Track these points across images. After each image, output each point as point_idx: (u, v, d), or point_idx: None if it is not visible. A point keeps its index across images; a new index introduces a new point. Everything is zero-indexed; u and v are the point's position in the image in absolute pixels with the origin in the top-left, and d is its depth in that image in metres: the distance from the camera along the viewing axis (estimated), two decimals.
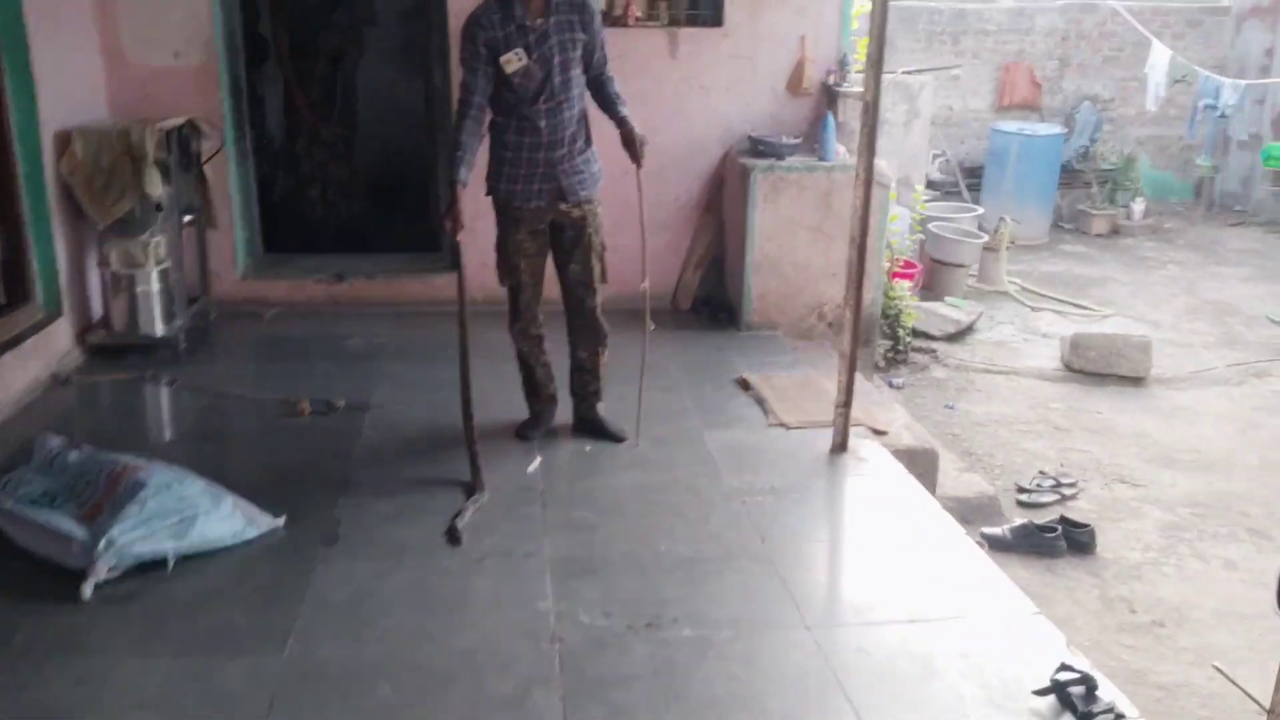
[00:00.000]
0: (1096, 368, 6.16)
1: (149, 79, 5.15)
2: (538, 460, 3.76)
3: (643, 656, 2.63)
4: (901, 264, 6.34)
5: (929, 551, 3.24)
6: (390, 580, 2.96)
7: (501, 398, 4.12)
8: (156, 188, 4.60)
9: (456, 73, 3.69)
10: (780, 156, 5.21)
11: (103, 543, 2.89)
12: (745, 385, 4.53)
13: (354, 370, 4.66)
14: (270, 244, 5.86)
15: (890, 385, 5.82)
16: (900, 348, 6.10)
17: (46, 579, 2.89)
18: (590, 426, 3.99)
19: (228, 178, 5.38)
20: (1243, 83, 9.12)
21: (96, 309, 4.89)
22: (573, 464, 3.80)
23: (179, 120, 4.91)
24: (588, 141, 3.72)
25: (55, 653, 2.60)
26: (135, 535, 2.95)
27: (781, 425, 4.11)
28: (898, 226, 6.28)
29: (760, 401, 4.33)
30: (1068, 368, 6.28)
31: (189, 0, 5.12)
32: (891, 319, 5.96)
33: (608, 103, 3.70)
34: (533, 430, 3.97)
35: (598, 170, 3.76)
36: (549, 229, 3.74)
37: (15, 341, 4.23)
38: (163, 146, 4.65)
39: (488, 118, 3.63)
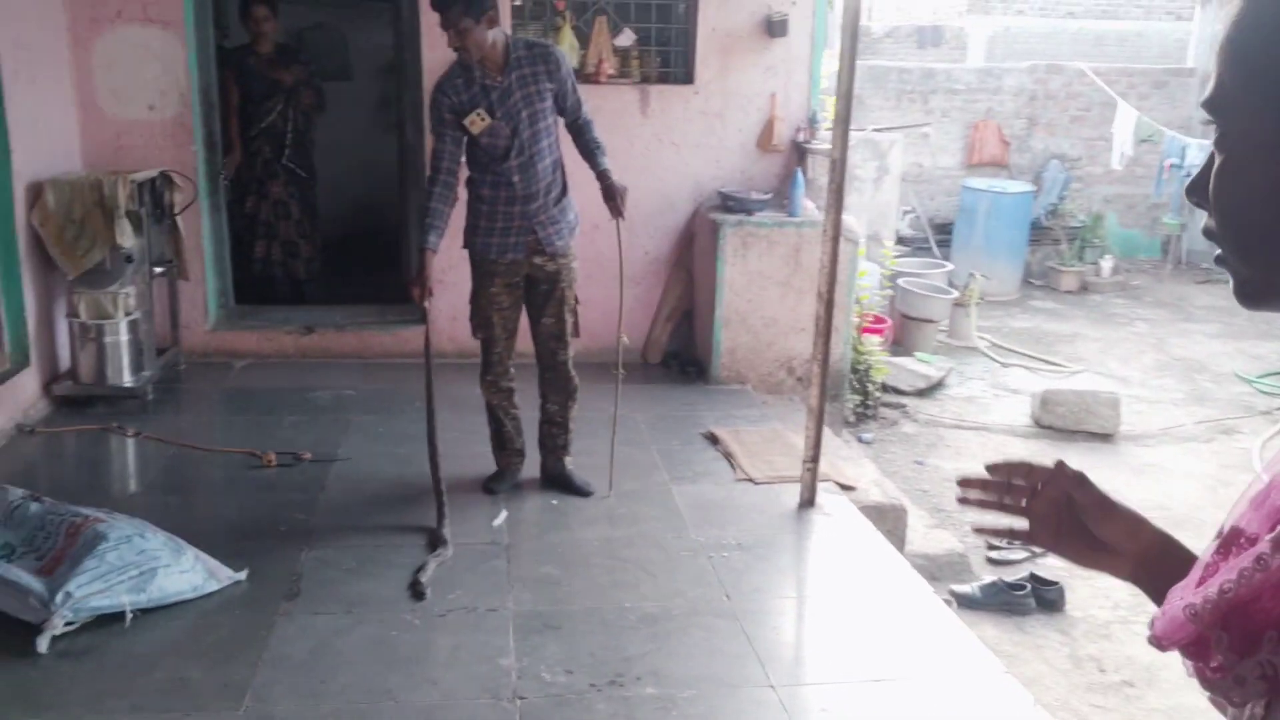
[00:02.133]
0: (1066, 424, 6.21)
1: (123, 131, 5.18)
2: (504, 514, 3.75)
3: (605, 715, 2.60)
4: (871, 319, 6.40)
5: (896, 609, 3.24)
6: (351, 635, 2.93)
7: (469, 450, 4.12)
8: (128, 239, 4.61)
9: (429, 128, 3.74)
10: (750, 212, 5.28)
11: (60, 595, 2.85)
12: (714, 439, 4.54)
13: (321, 422, 4.64)
14: (241, 295, 5.85)
15: (859, 440, 5.85)
16: (870, 403, 6.14)
17: (4, 632, 2.84)
18: (558, 480, 3.99)
19: (200, 229, 5.39)
20: (1208, 143, 9.32)
21: (64, 360, 4.86)
22: (539, 518, 3.79)
23: (152, 172, 4.93)
24: (564, 191, 3.77)
25: (8, 708, 2.55)
26: (93, 588, 2.91)
27: (749, 480, 4.12)
28: (867, 282, 6.36)
29: (728, 456, 4.35)
30: (1038, 424, 6.33)
31: (165, 54, 5.17)
32: (861, 374, 6.00)
33: (587, 151, 3.74)
34: (500, 484, 3.96)
35: (574, 219, 3.81)
36: (523, 282, 3.77)
37: None
38: (135, 198, 4.66)
39: (460, 181, 3.68)
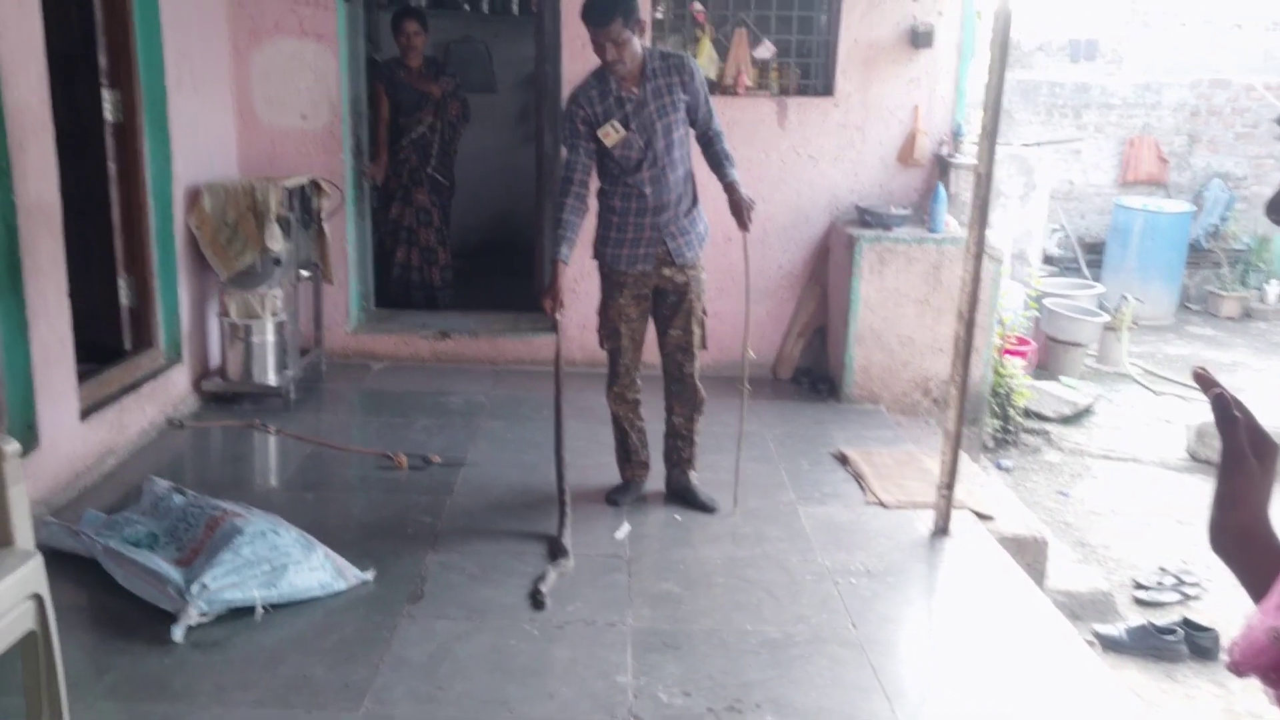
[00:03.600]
0: None
1: (277, 139, 5.40)
2: (626, 527, 3.71)
3: None
4: (1014, 341, 6.12)
5: (1034, 648, 3.05)
6: (471, 642, 2.93)
7: (594, 461, 4.11)
8: (277, 242, 4.78)
9: (562, 139, 3.75)
10: (888, 227, 5.12)
11: (195, 587, 2.94)
12: (843, 460, 4.40)
13: (452, 426, 4.71)
14: (379, 300, 6.02)
15: (998, 467, 5.59)
16: (1010, 428, 5.87)
17: (142, 619, 2.95)
18: (682, 495, 3.93)
19: (345, 235, 5.57)
20: None
21: (214, 357, 5.08)
22: (662, 533, 3.73)
23: (302, 179, 5.12)
24: (694, 201, 3.72)
25: (141, 695, 2.64)
26: (227, 581, 3.00)
27: (879, 504, 3.97)
28: (1011, 302, 6.09)
29: (858, 478, 4.20)
30: (1193, 457, 5.93)
31: (318, 66, 5.37)
32: (1002, 397, 5.75)
33: (716, 163, 3.69)
34: (623, 496, 3.93)
35: (704, 230, 3.75)
36: (652, 294, 3.74)
37: (135, 386, 4.41)
38: (285, 203, 4.84)
39: (591, 192, 3.67)
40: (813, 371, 5.56)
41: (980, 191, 3.55)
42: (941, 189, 5.16)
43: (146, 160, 4.52)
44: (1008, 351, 5.91)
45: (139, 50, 4.42)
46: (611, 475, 4.00)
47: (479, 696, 2.67)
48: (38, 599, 2.21)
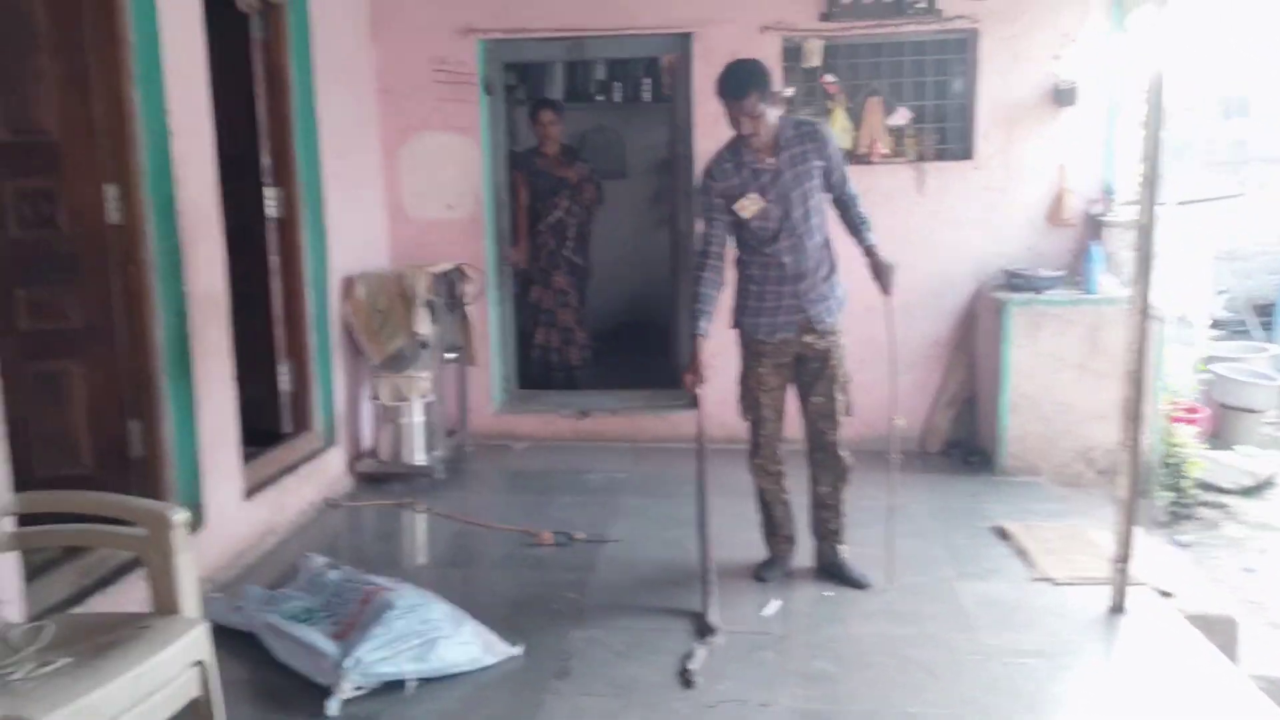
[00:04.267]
0: None
1: (424, 229, 5.63)
2: (775, 603, 3.58)
3: None
4: (1183, 408, 5.75)
5: None
6: None
7: (739, 537, 4.01)
8: (425, 326, 4.94)
9: (696, 213, 3.76)
10: (1039, 290, 4.92)
11: (349, 661, 2.98)
12: (1004, 534, 4.17)
13: (594, 503, 4.70)
14: (522, 380, 6.13)
15: (1174, 543, 5.20)
16: (1184, 501, 5.46)
17: (300, 692, 3.00)
18: (832, 570, 3.78)
19: (488, 318, 5.72)
20: None
21: (366, 439, 5.25)
22: (812, 609, 3.59)
23: (448, 265, 5.30)
24: (833, 268, 3.66)
25: None
26: (380, 655, 3.02)
27: (1047, 580, 3.72)
28: (1177, 366, 5.73)
29: (1022, 553, 3.97)
30: None
31: (463, 160, 5.60)
32: (1173, 468, 5.37)
33: (853, 227, 3.64)
34: (770, 571, 3.81)
35: (843, 294, 3.69)
36: (793, 361, 3.68)
37: (294, 467, 4.58)
38: (432, 289, 5.01)
39: (728, 264, 3.66)
40: (964, 443, 5.34)
41: (1143, 246, 3.37)
42: (1095, 248, 4.94)
43: (305, 252, 4.77)
44: (1177, 419, 5.54)
45: (298, 151, 4.70)
46: (757, 551, 3.90)
47: None
48: (202, 666, 2.26)
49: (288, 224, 4.74)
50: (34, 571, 3.09)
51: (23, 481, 2.64)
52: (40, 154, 3.57)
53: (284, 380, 4.81)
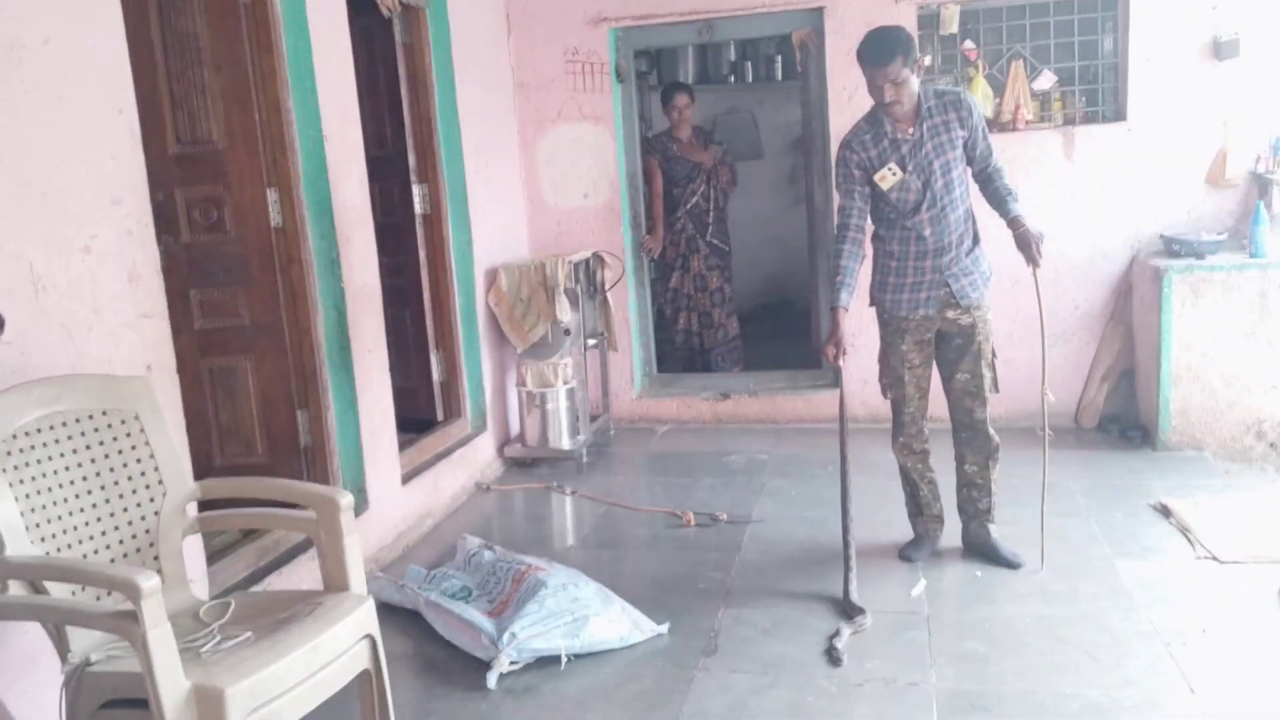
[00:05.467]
0: None
1: (562, 218, 5.76)
2: (922, 583, 3.54)
3: None
4: None
5: None
6: (767, 696, 2.89)
7: (883, 516, 3.98)
8: (566, 314, 5.07)
9: (835, 185, 3.73)
10: (1200, 255, 4.67)
11: (506, 636, 3.11)
12: (1165, 512, 4.00)
13: (736, 484, 4.73)
14: (662, 365, 6.20)
15: None
16: None
17: (460, 666, 3.15)
18: (981, 549, 3.71)
19: (627, 304, 5.81)
20: None
21: (513, 425, 5.42)
22: (961, 589, 3.53)
23: (586, 253, 5.41)
24: (976, 240, 3.57)
25: None
26: (534, 631, 3.14)
27: (1213, 559, 3.55)
28: None
29: (1184, 530, 3.80)
30: None
31: (597, 149, 5.70)
32: None
33: (997, 199, 3.53)
34: (917, 551, 3.77)
35: (987, 269, 3.59)
36: (935, 338, 3.61)
37: (447, 453, 4.78)
38: (572, 277, 5.13)
39: (867, 237, 3.62)
40: (1121, 418, 5.13)
41: None
42: (1262, 208, 4.65)
43: (451, 246, 4.95)
44: None
45: (441, 148, 4.88)
46: (903, 531, 3.85)
47: None
48: (371, 640, 2.41)
49: (433, 219, 4.93)
50: (214, 554, 3.35)
51: (204, 470, 2.85)
52: (207, 163, 3.84)
53: (436, 370, 5.02)
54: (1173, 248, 4.80)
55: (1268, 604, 3.25)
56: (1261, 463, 4.60)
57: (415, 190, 4.86)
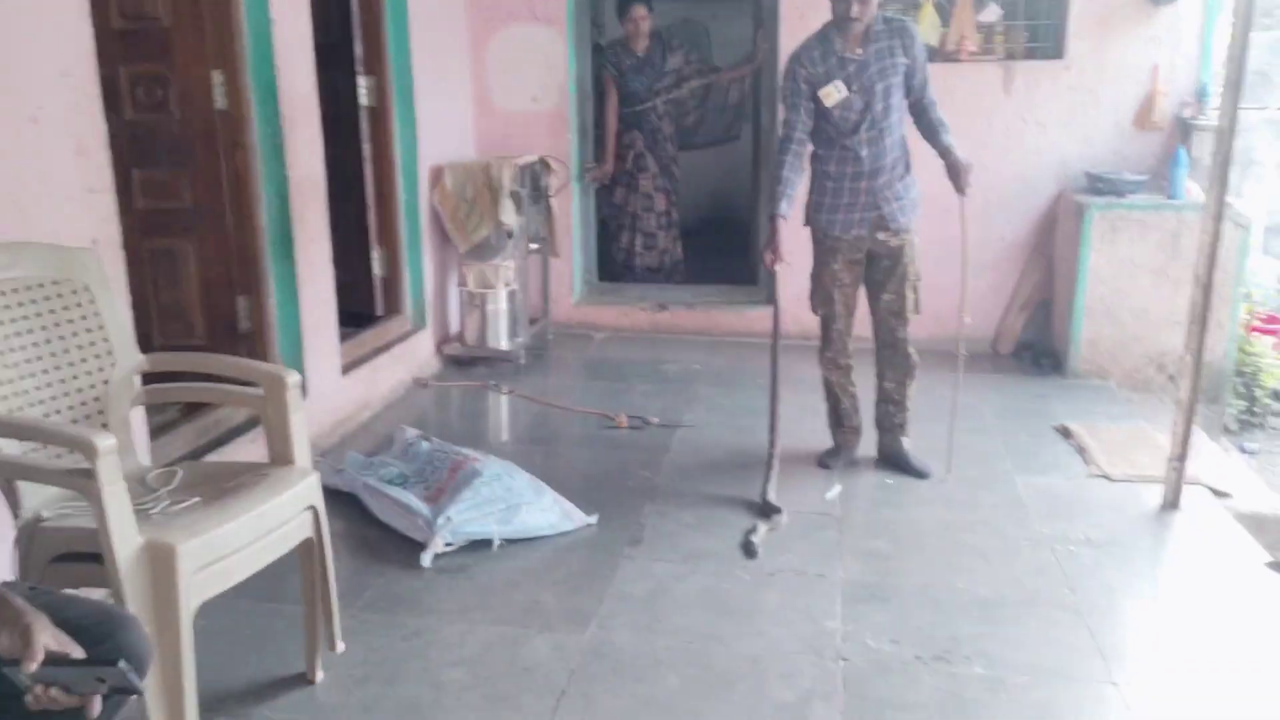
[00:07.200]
0: None
1: (510, 121, 5.76)
2: (837, 488, 3.77)
3: (929, 687, 2.56)
4: (1264, 318, 5.68)
5: (1272, 623, 2.89)
6: (686, 582, 3.09)
7: (807, 427, 4.18)
8: (510, 217, 5.13)
9: (781, 99, 3.82)
10: (1121, 194, 4.89)
11: (441, 519, 3.26)
12: (1066, 433, 4.27)
13: (669, 391, 4.90)
14: (604, 273, 6.30)
15: (1241, 450, 5.22)
16: (1257, 410, 5.45)
17: (396, 546, 3.30)
18: (894, 459, 3.94)
19: (571, 211, 5.88)
20: None
21: (453, 324, 5.50)
22: (873, 495, 3.77)
23: (532, 157, 5.44)
24: (907, 168, 3.72)
25: (396, 609, 2.96)
26: (468, 516, 3.30)
27: (1104, 476, 3.83)
28: (1261, 276, 5.65)
29: (1081, 450, 4.07)
30: None
31: (548, 52, 5.69)
32: (1247, 377, 5.35)
33: (930, 130, 3.67)
34: (835, 459, 3.99)
35: (917, 196, 3.75)
36: (865, 259, 3.77)
37: (386, 348, 4.86)
38: (517, 180, 5.17)
39: (809, 152, 3.73)
40: (1035, 346, 5.39)
41: (1222, 149, 3.36)
42: (1182, 152, 4.87)
43: (396, 141, 4.95)
44: (1256, 329, 5.49)
45: (389, 41, 4.84)
46: (823, 441, 4.06)
47: (694, 630, 2.82)
48: (314, 511, 2.53)
49: (379, 113, 4.92)
50: (154, 431, 3.42)
51: (144, 349, 2.88)
52: (152, 40, 3.79)
53: (377, 265, 5.06)
54: (1097, 185, 5.01)
55: (1148, 518, 3.54)
56: (1160, 393, 4.90)
57: (361, 82, 4.83)
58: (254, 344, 3.98)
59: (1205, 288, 3.37)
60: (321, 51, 4.30)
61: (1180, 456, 3.51)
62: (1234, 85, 3.24)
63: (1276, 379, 5.56)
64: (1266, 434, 5.42)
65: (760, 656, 2.70)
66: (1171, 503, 3.55)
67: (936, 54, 5.20)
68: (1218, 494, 3.70)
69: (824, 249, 3.81)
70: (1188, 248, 4.74)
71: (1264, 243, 6.08)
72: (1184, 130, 5.13)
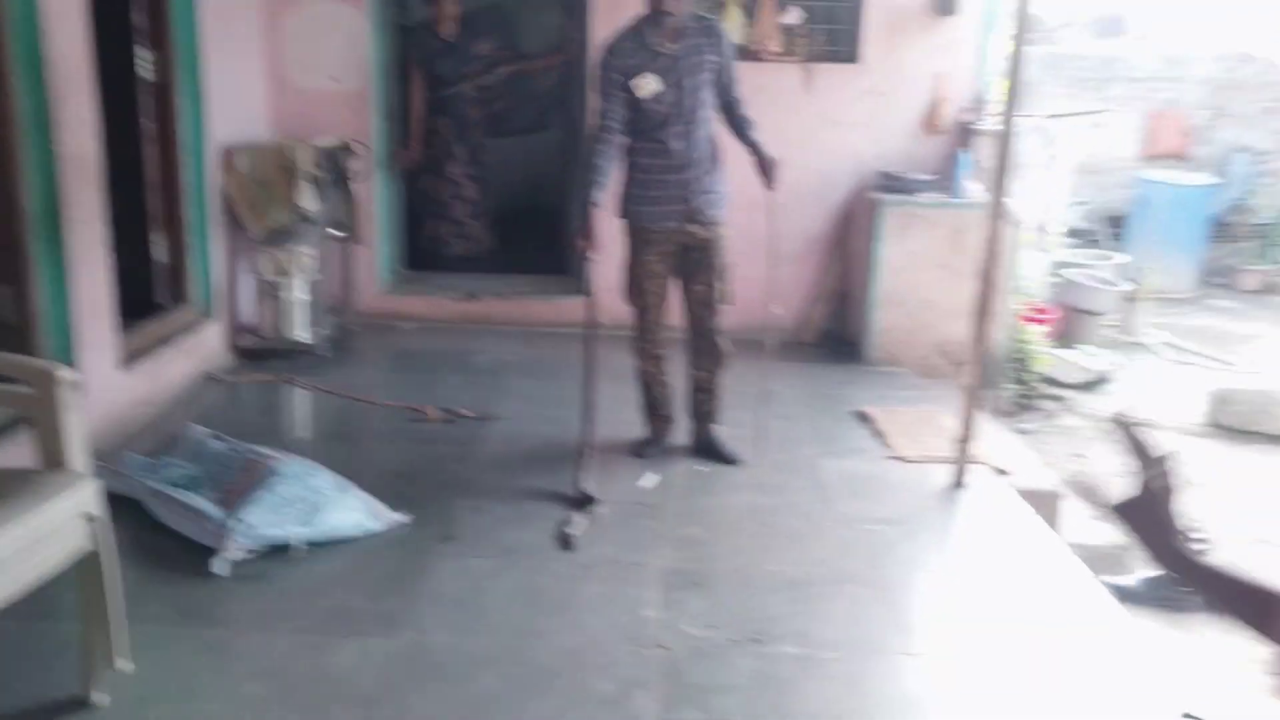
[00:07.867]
0: (1243, 424, 5.84)
1: (308, 101, 5.48)
2: (652, 476, 3.80)
3: (744, 669, 2.61)
4: (1035, 309, 6.16)
5: (1051, 589, 3.13)
6: (502, 578, 3.03)
7: (621, 417, 4.19)
8: (308, 201, 4.88)
9: (597, 89, 3.80)
10: (911, 192, 5.17)
11: (233, 523, 3.05)
12: (865, 418, 4.47)
13: (481, 383, 4.81)
14: (412, 261, 6.11)
15: (1017, 430, 5.64)
16: (1029, 393, 5.91)
17: (186, 554, 3.06)
18: (706, 448, 4.01)
19: (375, 197, 5.66)
20: None
21: (247, 314, 5.19)
22: (687, 482, 3.82)
23: (333, 139, 5.20)
24: (716, 163, 3.78)
25: (188, 621, 2.76)
26: (266, 519, 3.10)
27: (900, 458, 4.04)
28: (1031, 269, 6.12)
29: (879, 434, 4.28)
30: (1212, 423, 5.97)
31: (349, 29, 5.44)
32: (1021, 363, 5.79)
33: (739, 127, 3.76)
34: (649, 448, 4.02)
35: (725, 191, 3.82)
36: (677, 250, 3.81)
37: (171, 339, 4.52)
38: (316, 164, 4.92)
39: (622, 142, 3.74)
40: (836, 334, 5.63)
41: (1001, 153, 3.59)
42: (963, 155, 5.19)
43: (182, 119, 4.61)
44: (1028, 319, 5.95)
45: (175, 11, 4.50)
46: (637, 430, 4.08)
47: (512, 627, 2.77)
48: (92, 519, 2.31)
49: (163, 89, 4.57)
50: None
51: None
52: None
53: (158, 251, 4.70)
54: (889, 184, 5.27)
55: (940, 496, 3.75)
56: (945, 379, 5.20)
57: (142, 53, 4.47)
58: (19, 337, 3.60)
59: (988, 282, 3.60)
60: (102, 20, 3.95)
61: (965, 439, 3.74)
62: (1013, 95, 3.47)
63: (1046, 364, 6.05)
64: (1037, 415, 5.89)
65: (579, 649, 2.68)
66: (959, 481, 3.78)
67: (742, 53, 5.30)
68: (999, 472, 3.97)
69: (637, 240, 3.82)
70: (969, 243, 5.04)
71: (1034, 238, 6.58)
72: (965, 135, 5.47)
